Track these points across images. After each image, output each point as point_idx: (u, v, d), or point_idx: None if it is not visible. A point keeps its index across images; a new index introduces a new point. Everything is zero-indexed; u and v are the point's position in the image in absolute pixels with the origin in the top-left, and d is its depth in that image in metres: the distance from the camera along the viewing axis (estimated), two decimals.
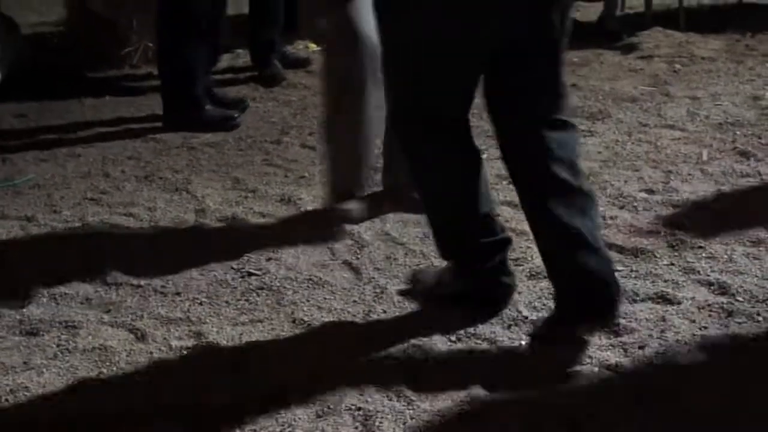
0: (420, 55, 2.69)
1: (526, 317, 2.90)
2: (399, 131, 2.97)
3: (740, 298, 2.96)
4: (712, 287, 3.03)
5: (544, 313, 2.92)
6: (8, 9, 5.87)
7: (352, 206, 3.61)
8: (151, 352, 2.80)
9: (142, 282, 3.21)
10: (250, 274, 3.24)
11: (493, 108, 2.84)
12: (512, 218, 3.51)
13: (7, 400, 2.62)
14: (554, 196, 2.72)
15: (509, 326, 2.86)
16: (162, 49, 4.79)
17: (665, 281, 3.09)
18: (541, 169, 2.74)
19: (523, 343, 2.78)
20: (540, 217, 2.78)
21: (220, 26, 4.79)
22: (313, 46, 5.49)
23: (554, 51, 2.78)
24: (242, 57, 5.52)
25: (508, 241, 2.95)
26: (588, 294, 2.73)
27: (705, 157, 4.07)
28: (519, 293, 3.02)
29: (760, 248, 3.26)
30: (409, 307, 3.00)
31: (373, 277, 3.19)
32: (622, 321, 2.85)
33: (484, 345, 2.77)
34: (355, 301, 3.05)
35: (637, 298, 3.00)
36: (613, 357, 2.69)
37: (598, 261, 2.72)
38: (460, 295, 2.96)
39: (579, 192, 2.74)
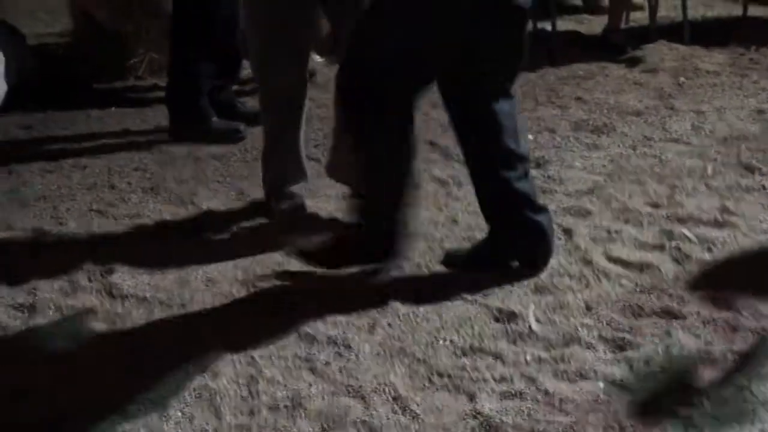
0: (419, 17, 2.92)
1: (532, 332, 2.90)
2: (366, 96, 3.01)
3: (745, 313, 2.96)
4: (717, 302, 3.03)
5: (550, 327, 2.93)
6: (14, 19, 5.88)
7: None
8: (155, 367, 2.80)
9: (148, 294, 3.22)
10: (255, 287, 3.24)
11: (447, 87, 3.14)
12: None
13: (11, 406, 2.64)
14: (504, 165, 3.16)
15: (515, 341, 2.87)
16: (171, 60, 4.80)
17: (670, 296, 3.10)
18: (494, 142, 3.15)
19: (529, 357, 2.78)
20: (491, 184, 3.21)
21: (235, 39, 4.80)
22: (317, 58, 5.49)
23: (511, 30, 3.08)
24: (247, 68, 5.50)
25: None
26: (530, 248, 3.25)
27: (710, 171, 4.07)
28: (524, 307, 3.02)
29: (766, 263, 3.26)
30: (414, 320, 3.00)
31: (379, 290, 3.19)
32: (627, 336, 2.86)
33: (490, 359, 2.77)
34: (359, 314, 3.05)
35: (642, 313, 3.00)
36: (618, 372, 2.69)
37: (542, 218, 3.21)
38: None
39: (521, 157, 3.20)
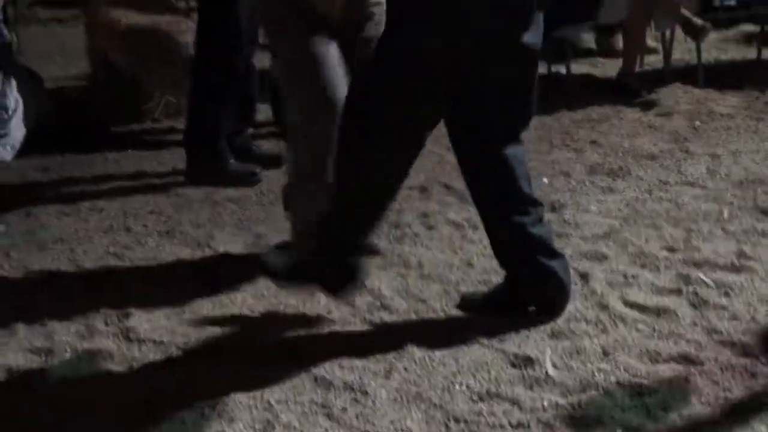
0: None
1: (549, 377, 2.89)
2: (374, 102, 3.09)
3: (764, 360, 2.94)
4: (735, 348, 3.01)
5: (567, 373, 2.91)
6: (31, 62, 5.94)
7: None
8: (171, 412, 2.80)
9: (164, 339, 3.22)
10: (271, 332, 3.24)
11: (457, 131, 3.18)
12: None
13: None
14: (518, 211, 3.16)
15: (531, 386, 2.85)
16: (190, 103, 4.83)
17: (688, 341, 3.08)
18: (509, 187, 3.15)
19: (546, 403, 2.76)
20: (506, 229, 3.20)
21: (251, 82, 4.84)
22: None
23: (520, 70, 3.11)
24: (264, 112, 5.54)
25: None
26: (546, 293, 3.23)
27: (726, 215, 4.07)
28: (541, 353, 3.01)
29: None
30: (431, 365, 2.99)
31: (395, 334, 3.19)
32: (644, 381, 2.84)
33: (506, 405, 2.76)
34: (376, 359, 3.04)
35: (659, 358, 2.98)
36: (636, 419, 2.67)
37: (558, 265, 3.20)
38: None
39: (534, 202, 3.20)
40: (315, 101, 3.44)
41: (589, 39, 7.36)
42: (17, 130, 5.26)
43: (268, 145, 5.25)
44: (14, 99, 5.21)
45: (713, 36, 6.83)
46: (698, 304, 3.31)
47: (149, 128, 5.76)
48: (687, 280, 3.49)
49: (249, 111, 5.07)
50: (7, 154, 5.18)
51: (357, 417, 2.73)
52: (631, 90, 6.00)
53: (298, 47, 3.46)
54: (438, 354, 3.04)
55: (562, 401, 2.77)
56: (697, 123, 5.41)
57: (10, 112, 5.18)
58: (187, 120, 4.87)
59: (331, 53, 3.46)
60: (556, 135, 5.33)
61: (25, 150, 5.21)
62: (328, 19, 3.47)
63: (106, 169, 5.07)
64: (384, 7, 3.29)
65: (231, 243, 4.01)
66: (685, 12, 6.01)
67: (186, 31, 5.71)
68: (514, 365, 2.97)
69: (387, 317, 3.31)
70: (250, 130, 5.21)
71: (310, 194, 3.58)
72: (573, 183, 4.57)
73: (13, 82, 5.27)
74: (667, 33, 6.48)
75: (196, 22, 4.85)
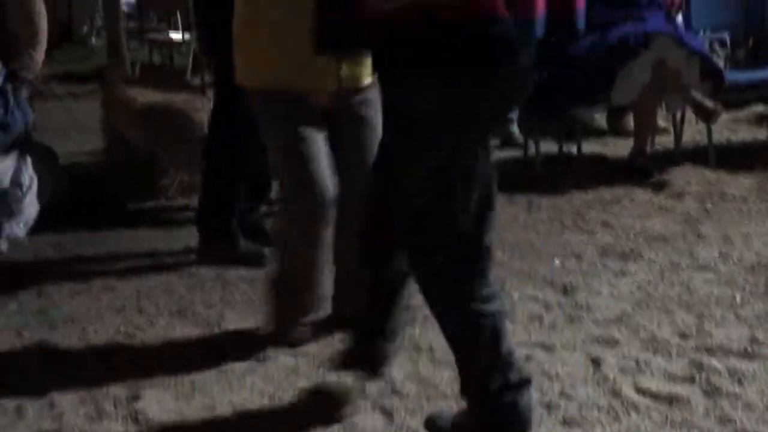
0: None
1: None
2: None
3: None
4: None
5: None
6: (46, 137, 5.98)
7: (299, 332, 3.74)
8: None
9: (173, 422, 3.21)
10: (281, 415, 3.23)
11: None
12: (545, 361, 3.50)
13: None
14: None
15: None
16: (203, 182, 4.86)
17: (700, 430, 3.05)
18: None
19: None
20: None
21: (266, 160, 4.87)
22: None
23: None
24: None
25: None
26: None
27: (738, 300, 4.05)
28: None
29: None
30: None
31: (406, 421, 3.17)
32: None
33: None
34: None
35: None
36: None
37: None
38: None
39: None
40: (300, 190, 3.52)
41: (600, 118, 7.40)
42: (31, 207, 5.27)
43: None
44: (29, 176, 5.24)
45: (724, 116, 6.84)
46: (711, 391, 3.29)
47: (164, 206, 5.78)
48: (699, 367, 3.47)
49: (263, 189, 5.09)
50: (21, 231, 5.19)
51: None
52: (643, 170, 6.00)
53: (286, 138, 3.54)
54: None
55: None
56: (709, 205, 5.41)
57: (24, 189, 5.20)
58: (200, 199, 4.90)
59: (318, 145, 3.53)
60: (567, 216, 5.33)
61: (39, 226, 5.22)
62: (317, 103, 3.55)
63: (119, 246, 5.08)
64: (377, 90, 3.36)
65: (242, 323, 4.00)
66: (695, 94, 6.03)
67: (201, 109, 5.76)
68: None
69: (397, 402, 3.29)
70: (264, 208, 5.22)
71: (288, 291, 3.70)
72: (585, 265, 4.56)
73: (29, 160, 5.31)
74: (678, 114, 6.51)
75: (212, 101, 4.90)
